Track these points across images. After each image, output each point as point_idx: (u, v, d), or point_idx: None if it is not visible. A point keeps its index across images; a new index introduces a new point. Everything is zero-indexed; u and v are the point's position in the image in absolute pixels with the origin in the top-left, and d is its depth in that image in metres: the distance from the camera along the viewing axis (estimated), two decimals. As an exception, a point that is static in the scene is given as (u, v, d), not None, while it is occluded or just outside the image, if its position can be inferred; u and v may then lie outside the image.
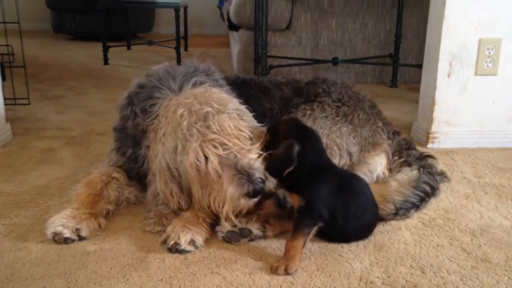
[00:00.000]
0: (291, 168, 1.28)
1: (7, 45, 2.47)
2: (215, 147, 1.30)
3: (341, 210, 1.28)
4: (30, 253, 1.29)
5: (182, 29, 5.05)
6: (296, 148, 1.28)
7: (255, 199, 1.33)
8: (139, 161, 1.52)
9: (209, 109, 1.35)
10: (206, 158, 1.30)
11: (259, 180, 1.31)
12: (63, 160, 1.98)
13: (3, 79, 2.34)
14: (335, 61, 3.31)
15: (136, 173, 1.57)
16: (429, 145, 2.16)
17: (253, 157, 1.33)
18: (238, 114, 1.41)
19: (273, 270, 1.21)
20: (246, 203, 1.32)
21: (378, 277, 1.19)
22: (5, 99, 2.28)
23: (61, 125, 2.46)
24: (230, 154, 1.31)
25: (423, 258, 1.27)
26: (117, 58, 4.58)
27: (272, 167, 1.31)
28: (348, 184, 1.34)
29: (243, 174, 1.29)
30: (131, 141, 1.53)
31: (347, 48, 3.61)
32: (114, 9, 5.24)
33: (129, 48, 5.32)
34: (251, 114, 1.47)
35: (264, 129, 1.44)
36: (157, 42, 4.84)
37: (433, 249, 1.32)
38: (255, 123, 1.47)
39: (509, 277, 1.19)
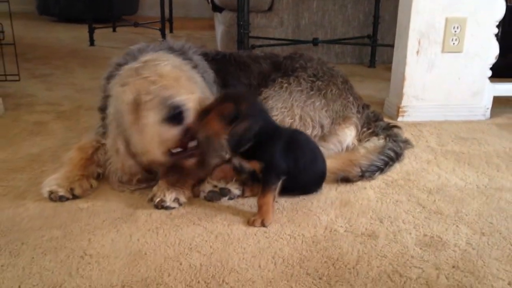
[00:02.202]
0: (248, 144, 1.38)
1: (-4, 23, 2.56)
2: (146, 82, 1.38)
3: (293, 163, 1.42)
4: (28, 209, 1.41)
5: (167, 11, 5.13)
6: (255, 126, 1.37)
7: (180, 126, 1.36)
8: None
9: (149, 61, 1.45)
10: (139, 96, 1.37)
11: (178, 105, 1.34)
12: (54, 131, 2.09)
13: (-6, 56, 2.44)
14: (315, 42, 3.44)
15: None
16: (399, 119, 2.31)
17: (182, 96, 1.37)
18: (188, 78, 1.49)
19: (251, 223, 1.35)
20: (171, 130, 1.35)
21: (341, 226, 1.34)
22: (-4, 75, 2.38)
23: (50, 101, 2.56)
24: (161, 90, 1.36)
25: (383, 211, 1.43)
26: (102, 39, 4.64)
27: (232, 143, 1.37)
28: (295, 140, 1.47)
29: (163, 103, 1.34)
30: None
31: (328, 29, 3.74)
32: (99, -10, 5.29)
33: (114, 30, 5.37)
34: (204, 85, 1.56)
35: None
36: (143, 24, 4.91)
37: (393, 204, 1.47)
38: (205, 91, 1.53)
39: (457, 226, 1.34)
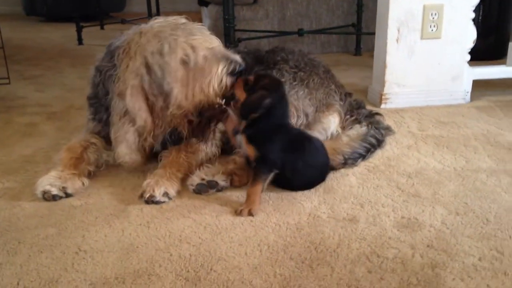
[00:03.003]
0: (256, 114, 1.46)
1: (-17, 27, 2.60)
2: (201, 42, 1.54)
3: (289, 165, 1.48)
4: (24, 209, 1.47)
5: (155, 7, 5.15)
6: (268, 101, 1.45)
7: (233, 80, 1.55)
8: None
9: (182, 21, 1.60)
10: (194, 53, 1.51)
11: (242, 63, 1.57)
12: (45, 132, 2.14)
13: (-18, 61, 2.48)
14: (300, 33, 3.49)
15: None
16: (382, 106, 2.37)
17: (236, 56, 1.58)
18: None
19: (238, 213, 1.41)
20: (229, 80, 1.54)
21: (324, 212, 1.41)
22: (-14, 79, 2.42)
23: (41, 102, 2.61)
24: (214, 49, 1.56)
25: (364, 196, 1.49)
26: (91, 37, 4.67)
27: (242, 107, 1.49)
28: (300, 144, 1.52)
29: (228, 59, 1.54)
30: (104, 106, 1.68)
31: (313, 19, 3.79)
32: (85, -11, 5.30)
33: (102, 28, 5.39)
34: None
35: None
36: (130, 21, 4.93)
37: (373, 189, 1.54)
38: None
39: (433, 207, 1.41)
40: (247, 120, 1.48)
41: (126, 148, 1.60)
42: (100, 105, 1.70)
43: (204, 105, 1.57)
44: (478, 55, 2.92)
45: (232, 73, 1.55)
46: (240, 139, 1.51)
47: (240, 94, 1.52)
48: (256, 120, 1.46)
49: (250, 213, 1.41)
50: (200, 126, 1.66)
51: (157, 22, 1.61)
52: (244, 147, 1.49)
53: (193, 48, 1.53)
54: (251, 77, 1.54)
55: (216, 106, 1.58)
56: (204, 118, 1.62)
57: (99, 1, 5.46)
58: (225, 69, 1.54)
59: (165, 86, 1.54)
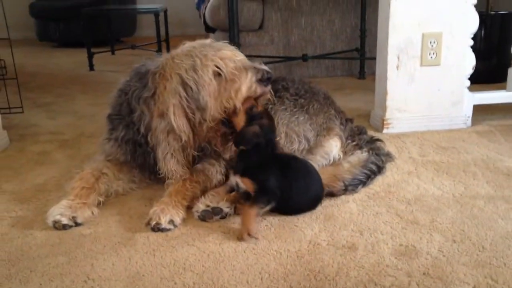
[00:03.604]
0: (245, 147, 1.53)
1: (-1, 60, 2.72)
2: (230, 55, 1.65)
3: (286, 190, 1.53)
4: (35, 238, 1.53)
5: (165, 30, 5.28)
6: (257, 139, 1.52)
7: (265, 88, 1.66)
8: (133, 128, 1.76)
9: (208, 41, 1.72)
10: (225, 65, 1.61)
11: (269, 71, 1.66)
12: (57, 161, 2.22)
13: (-2, 91, 2.58)
14: (304, 58, 3.58)
15: (132, 149, 1.80)
16: (384, 131, 2.42)
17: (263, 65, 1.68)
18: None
19: (240, 238, 1.47)
20: (259, 88, 1.64)
21: (324, 240, 1.45)
22: (0, 108, 2.51)
23: (53, 130, 2.69)
24: (242, 60, 1.67)
25: (363, 223, 1.54)
26: (102, 63, 4.79)
27: (237, 135, 1.58)
28: (291, 167, 1.59)
29: (256, 68, 1.65)
30: (124, 124, 1.77)
31: (317, 44, 3.87)
32: (97, 16, 5.45)
33: (113, 53, 5.53)
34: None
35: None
36: (140, 46, 5.06)
37: (373, 216, 1.58)
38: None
39: (430, 234, 1.45)
40: (238, 150, 1.56)
41: (176, 165, 1.71)
42: (120, 123, 1.79)
43: (233, 110, 1.65)
44: (480, 77, 2.97)
45: (261, 80, 1.64)
46: (235, 180, 1.57)
47: (241, 118, 1.60)
48: (247, 152, 1.53)
49: (250, 235, 1.45)
50: (231, 139, 1.75)
51: (186, 45, 1.72)
52: (242, 185, 1.54)
53: (223, 60, 1.63)
54: (260, 108, 1.62)
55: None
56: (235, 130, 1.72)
57: (110, 26, 5.60)
58: (254, 76, 1.63)
59: (201, 100, 1.64)
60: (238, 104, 1.63)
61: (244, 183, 1.54)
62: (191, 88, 1.63)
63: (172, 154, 1.69)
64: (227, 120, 1.67)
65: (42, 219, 1.63)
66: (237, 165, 1.58)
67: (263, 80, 1.65)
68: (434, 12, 2.31)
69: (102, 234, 1.54)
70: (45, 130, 2.69)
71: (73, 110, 3.14)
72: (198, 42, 1.72)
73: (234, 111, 1.64)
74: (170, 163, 1.70)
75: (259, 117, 1.60)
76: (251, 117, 1.59)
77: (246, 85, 1.63)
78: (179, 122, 1.65)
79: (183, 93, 1.64)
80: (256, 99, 1.68)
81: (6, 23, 2.67)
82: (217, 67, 1.62)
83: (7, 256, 1.43)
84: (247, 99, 1.65)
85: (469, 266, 1.28)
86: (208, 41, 1.74)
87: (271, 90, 2.00)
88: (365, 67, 3.78)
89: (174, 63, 1.67)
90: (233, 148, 1.78)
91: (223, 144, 1.76)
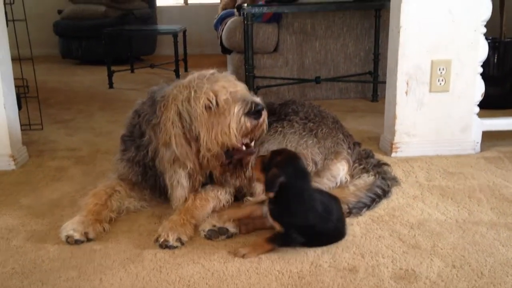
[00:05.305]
0: (270, 194, 1.52)
1: (22, 79, 2.83)
2: (223, 87, 1.68)
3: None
4: (48, 252, 1.60)
5: (183, 50, 5.40)
6: (280, 179, 1.50)
7: (256, 121, 1.68)
8: (144, 151, 1.81)
9: (211, 72, 1.77)
10: (216, 98, 1.66)
11: (259, 103, 1.67)
12: (73, 177, 2.30)
13: (19, 108, 2.67)
14: (317, 80, 3.64)
15: (142, 171, 1.85)
16: (393, 154, 2.45)
17: (255, 98, 1.70)
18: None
19: (239, 256, 1.52)
20: (249, 122, 1.66)
21: (326, 261, 1.49)
22: (21, 125, 2.61)
23: (70, 146, 2.79)
24: (235, 92, 1.69)
25: (365, 246, 1.57)
26: (121, 81, 4.92)
27: (265, 184, 1.55)
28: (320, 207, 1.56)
29: (245, 100, 1.66)
30: (136, 145, 1.84)
31: (330, 67, 3.92)
32: (118, 35, 5.61)
33: (132, 71, 5.66)
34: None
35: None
36: (159, 65, 5.19)
37: (375, 240, 1.61)
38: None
39: (431, 259, 1.48)
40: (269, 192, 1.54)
41: (182, 191, 1.77)
42: (132, 144, 1.86)
43: (229, 147, 1.71)
44: (493, 103, 2.99)
45: (249, 113, 1.66)
46: (266, 211, 1.58)
47: (259, 176, 1.61)
48: (276, 196, 1.52)
49: (243, 256, 1.51)
50: (230, 168, 1.79)
51: (190, 75, 1.79)
52: (271, 221, 1.56)
53: (215, 93, 1.68)
54: (267, 155, 1.60)
55: (243, 147, 1.73)
56: (233, 159, 1.76)
57: (130, 46, 5.75)
58: (241, 109, 1.65)
59: (194, 131, 1.70)
60: (233, 141, 1.67)
61: (274, 223, 1.55)
62: (185, 119, 1.70)
63: (178, 181, 1.75)
64: (228, 152, 1.72)
65: (55, 233, 1.70)
66: (270, 202, 1.56)
67: (252, 113, 1.67)
68: (443, 40, 2.35)
69: (112, 250, 1.60)
70: (63, 146, 2.78)
71: (91, 126, 3.24)
72: (200, 73, 1.77)
73: (234, 148, 1.70)
74: (177, 191, 1.76)
75: (272, 158, 1.56)
76: (266, 163, 1.57)
77: (234, 120, 1.65)
78: (182, 151, 1.72)
79: (178, 123, 1.71)
80: (250, 133, 1.71)
81: (30, 44, 2.79)
82: (208, 99, 1.67)
83: (20, 268, 1.50)
84: (243, 136, 1.69)
85: (467, 292, 1.30)
86: (209, 72, 1.79)
87: (266, 120, 2.02)
88: (378, 90, 3.82)
89: (174, 94, 1.74)
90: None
91: (222, 173, 1.80)
